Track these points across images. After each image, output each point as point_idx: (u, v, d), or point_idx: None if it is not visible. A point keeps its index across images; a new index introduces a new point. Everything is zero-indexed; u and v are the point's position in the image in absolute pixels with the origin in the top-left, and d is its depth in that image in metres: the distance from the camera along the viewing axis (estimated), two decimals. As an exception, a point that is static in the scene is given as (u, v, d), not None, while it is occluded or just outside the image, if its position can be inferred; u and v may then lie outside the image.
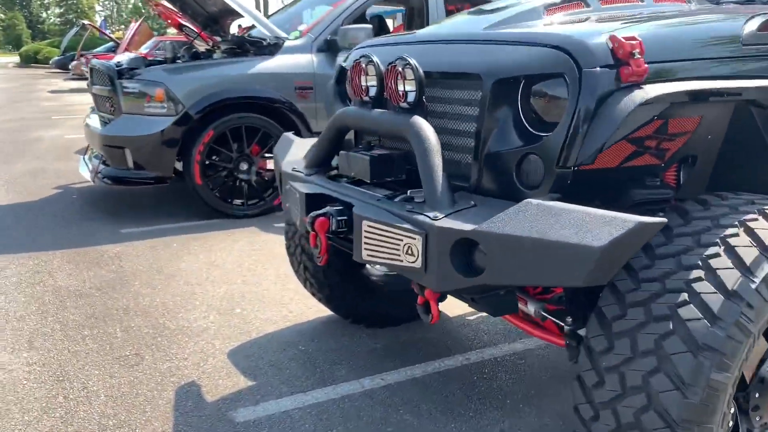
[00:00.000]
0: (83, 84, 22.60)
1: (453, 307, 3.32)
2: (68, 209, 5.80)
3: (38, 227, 5.24)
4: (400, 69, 2.03)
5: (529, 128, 1.87)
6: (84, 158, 6.35)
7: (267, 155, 5.54)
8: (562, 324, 2.05)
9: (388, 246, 1.85)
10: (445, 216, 1.75)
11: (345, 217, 2.02)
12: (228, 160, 5.41)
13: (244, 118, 5.34)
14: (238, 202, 5.51)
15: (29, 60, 37.33)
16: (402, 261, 1.81)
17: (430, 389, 2.76)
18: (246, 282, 4.03)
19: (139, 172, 5.23)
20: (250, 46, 5.65)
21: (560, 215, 1.55)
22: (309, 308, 3.60)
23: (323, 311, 3.53)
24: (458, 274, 1.70)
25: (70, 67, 25.74)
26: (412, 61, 1.99)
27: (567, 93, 1.74)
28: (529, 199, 1.64)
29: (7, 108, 14.71)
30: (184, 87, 5.16)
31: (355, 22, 5.73)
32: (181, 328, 3.38)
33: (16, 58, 39.56)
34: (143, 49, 10.58)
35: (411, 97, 2.02)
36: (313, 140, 2.65)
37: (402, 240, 1.80)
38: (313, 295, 3.25)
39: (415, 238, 1.76)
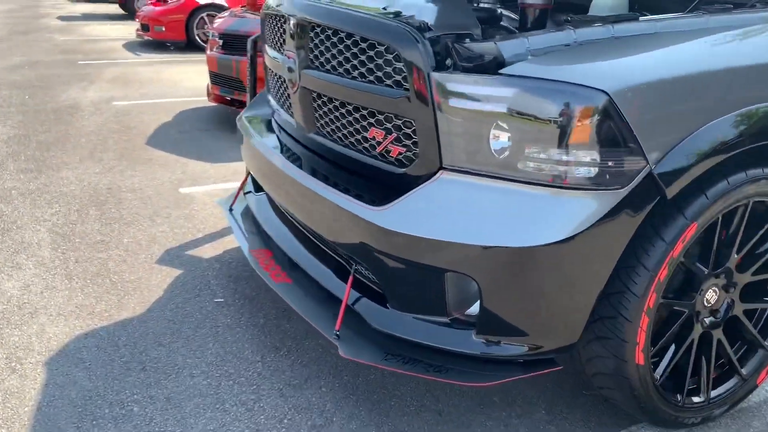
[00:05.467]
0: (96, 8, 18.50)
1: None
2: (235, 369, 2.45)
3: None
4: None
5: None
6: (231, 214, 2.97)
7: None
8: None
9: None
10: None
11: None
12: (691, 292, 2.04)
13: (762, 182, 1.94)
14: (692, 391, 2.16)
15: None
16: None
17: None
18: None
19: (501, 344, 1.84)
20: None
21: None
22: None
23: None
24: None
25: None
26: None
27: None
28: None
29: (13, 43, 10.98)
30: (652, 106, 1.72)
31: None
32: None
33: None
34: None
35: None
36: None
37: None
38: None
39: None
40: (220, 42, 5.63)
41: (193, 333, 2.63)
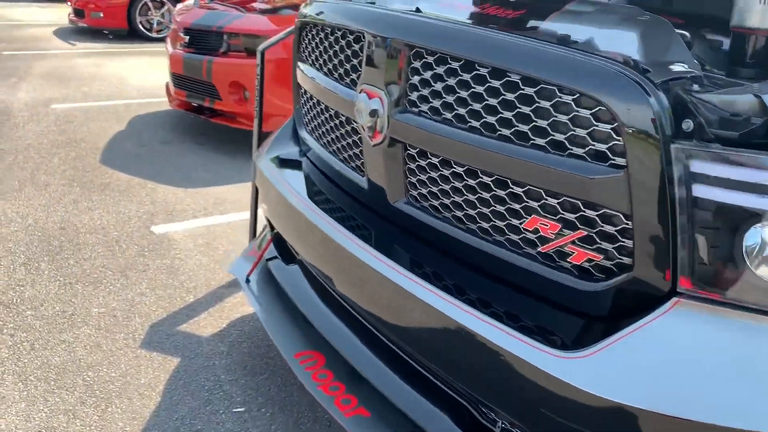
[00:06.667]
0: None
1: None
2: None
3: None
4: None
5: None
6: (250, 288, 2.22)
7: None
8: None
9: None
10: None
11: None
12: None
13: None
14: None
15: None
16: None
17: None
18: None
19: None
20: None
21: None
22: None
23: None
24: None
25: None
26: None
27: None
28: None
29: None
30: None
31: None
32: None
33: None
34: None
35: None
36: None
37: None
38: None
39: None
40: (186, 38, 4.75)
41: (215, 472, 1.88)
